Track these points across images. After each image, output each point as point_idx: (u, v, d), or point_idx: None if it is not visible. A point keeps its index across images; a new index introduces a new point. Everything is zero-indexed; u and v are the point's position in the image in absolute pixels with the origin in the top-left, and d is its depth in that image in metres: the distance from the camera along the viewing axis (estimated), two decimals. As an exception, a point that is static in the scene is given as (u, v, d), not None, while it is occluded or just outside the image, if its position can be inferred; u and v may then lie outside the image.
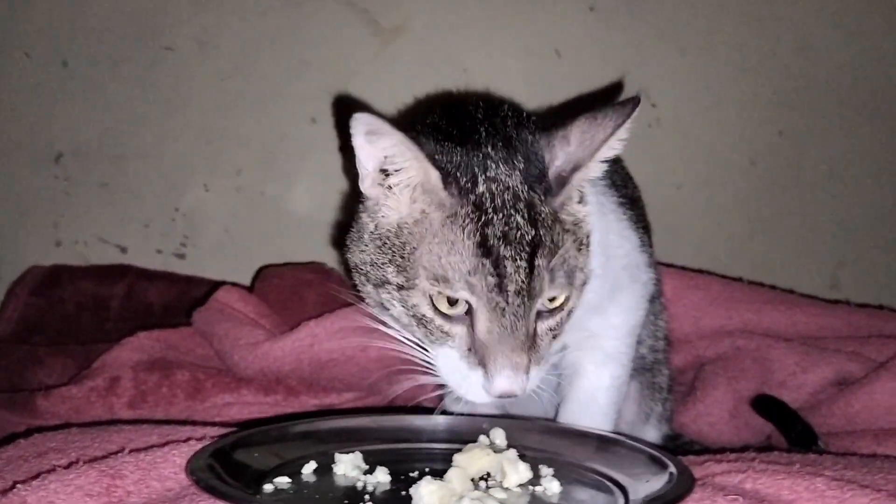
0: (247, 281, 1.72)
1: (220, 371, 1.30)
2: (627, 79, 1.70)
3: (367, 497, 0.73)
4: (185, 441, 0.80)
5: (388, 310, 0.87)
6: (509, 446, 0.84)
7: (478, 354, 0.82)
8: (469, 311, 0.82)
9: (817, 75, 1.85)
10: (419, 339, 0.86)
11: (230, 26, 1.76)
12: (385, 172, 0.85)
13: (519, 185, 0.84)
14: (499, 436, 0.87)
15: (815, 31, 1.84)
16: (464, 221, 0.82)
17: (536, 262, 0.81)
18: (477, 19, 1.76)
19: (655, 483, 0.73)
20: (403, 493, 0.73)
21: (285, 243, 1.79)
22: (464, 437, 0.87)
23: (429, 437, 0.90)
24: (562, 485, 0.77)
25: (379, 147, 0.83)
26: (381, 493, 0.76)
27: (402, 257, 0.84)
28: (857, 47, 1.84)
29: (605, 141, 0.85)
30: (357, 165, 0.87)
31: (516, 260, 0.80)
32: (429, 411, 1.12)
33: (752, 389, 1.27)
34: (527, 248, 0.81)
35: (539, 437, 0.88)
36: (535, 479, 0.79)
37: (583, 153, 0.86)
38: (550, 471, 0.80)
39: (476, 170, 0.85)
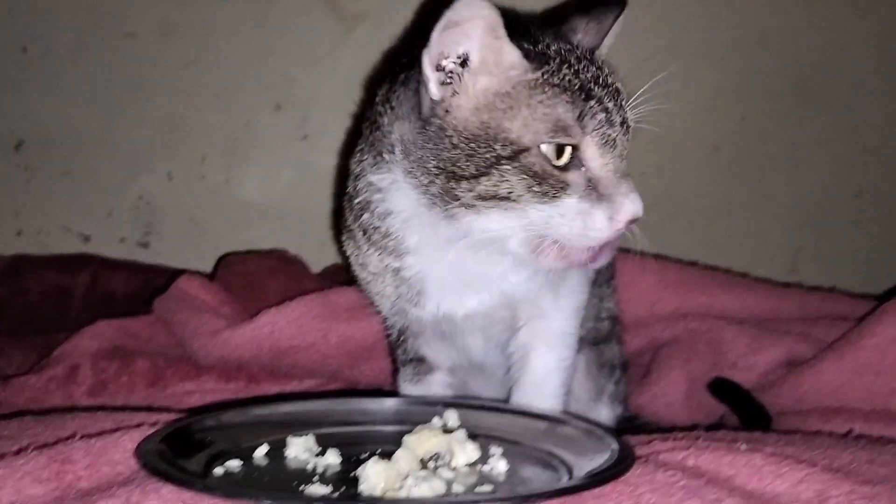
0: (210, 269, 1.72)
1: (180, 359, 1.31)
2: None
3: (316, 479, 0.75)
4: (136, 426, 0.81)
5: (498, 197, 0.86)
6: (461, 428, 0.85)
7: (597, 191, 0.86)
8: (576, 157, 0.86)
9: (779, 63, 1.88)
10: (533, 207, 0.86)
11: (193, 12, 1.75)
12: (460, 61, 0.87)
13: (578, 47, 0.93)
14: (451, 417, 0.89)
15: (777, 20, 1.86)
16: (558, 74, 0.87)
17: (621, 101, 0.90)
18: (443, 4, 1.76)
19: (598, 460, 0.74)
20: (352, 474, 0.74)
21: (249, 231, 1.79)
22: (417, 419, 0.88)
23: (383, 420, 0.91)
24: (509, 463, 0.79)
25: (456, 34, 0.86)
26: (330, 475, 0.77)
27: (505, 128, 0.86)
28: (818, 36, 1.87)
29: (612, 25, 0.98)
30: (424, 73, 0.88)
31: (613, 98, 0.88)
32: (387, 395, 1.14)
33: (705, 371, 1.29)
34: (612, 89, 0.89)
35: (491, 418, 0.90)
36: (484, 459, 0.80)
37: (593, 39, 0.97)
38: (500, 450, 0.82)
39: (536, 39, 0.91)
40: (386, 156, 0.94)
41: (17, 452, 0.74)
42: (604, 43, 0.98)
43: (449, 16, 0.84)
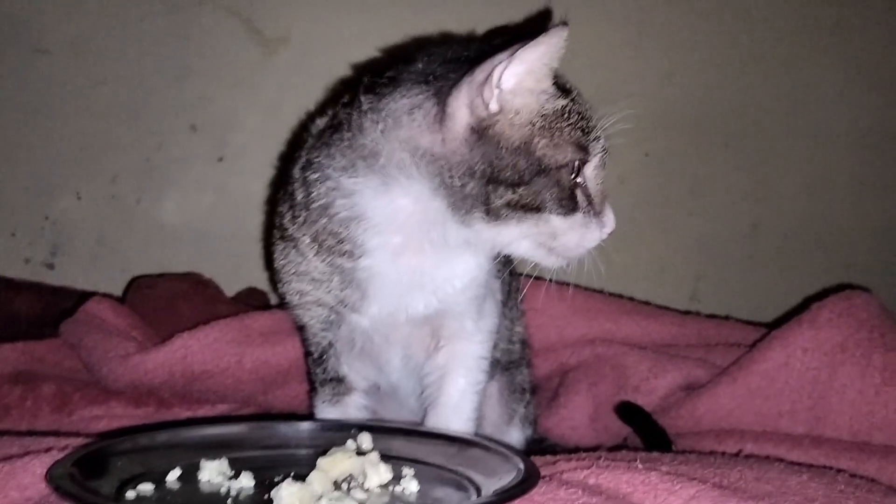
0: (120, 292, 1.69)
1: (88, 384, 1.28)
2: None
3: (229, 501, 0.75)
4: (46, 451, 0.80)
5: (526, 207, 0.92)
6: (374, 450, 0.87)
7: (592, 207, 0.95)
8: (581, 175, 0.95)
9: (681, 101, 1.97)
10: (552, 218, 0.93)
11: (107, 30, 1.73)
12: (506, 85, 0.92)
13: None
14: (365, 440, 0.90)
15: (680, 61, 1.96)
16: (579, 101, 0.97)
17: None
18: (362, 32, 1.80)
19: (506, 479, 0.77)
20: (266, 496, 0.75)
21: (161, 253, 1.77)
22: (332, 442, 0.89)
23: (297, 444, 0.92)
24: (420, 484, 0.81)
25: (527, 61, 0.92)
26: (244, 498, 0.78)
27: (542, 145, 0.92)
28: (718, 76, 1.97)
29: None
30: (489, 86, 0.91)
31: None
32: (302, 419, 1.15)
33: (610, 394, 1.35)
34: None
35: (403, 441, 0.92)
36: (396, 480, 0.82)
37: None
38: (411, 471, 0.84)
39: None
40: (381, 160, 0.96)
41: (-81, 479, 0.72)
42: None
43: (541, 40, 0.90)
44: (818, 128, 2.03)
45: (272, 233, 1.11)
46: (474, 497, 0.78)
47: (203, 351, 1.27)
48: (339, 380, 1.10)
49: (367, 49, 1.78)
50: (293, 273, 1.04)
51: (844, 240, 2.06)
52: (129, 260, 1.76)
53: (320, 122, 1.07)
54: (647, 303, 1.64)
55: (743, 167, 2.02)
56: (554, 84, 0.95)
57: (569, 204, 0.93)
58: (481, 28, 1.69)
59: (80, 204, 1.76)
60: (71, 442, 0.86)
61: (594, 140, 0.95)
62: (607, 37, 1.91)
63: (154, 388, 1.27)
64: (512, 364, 1.23)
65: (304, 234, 1.02)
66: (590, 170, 0.95)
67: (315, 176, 1.00)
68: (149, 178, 1.78)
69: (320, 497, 0.73)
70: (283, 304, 1.12)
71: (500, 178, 0.92)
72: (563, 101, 0.95)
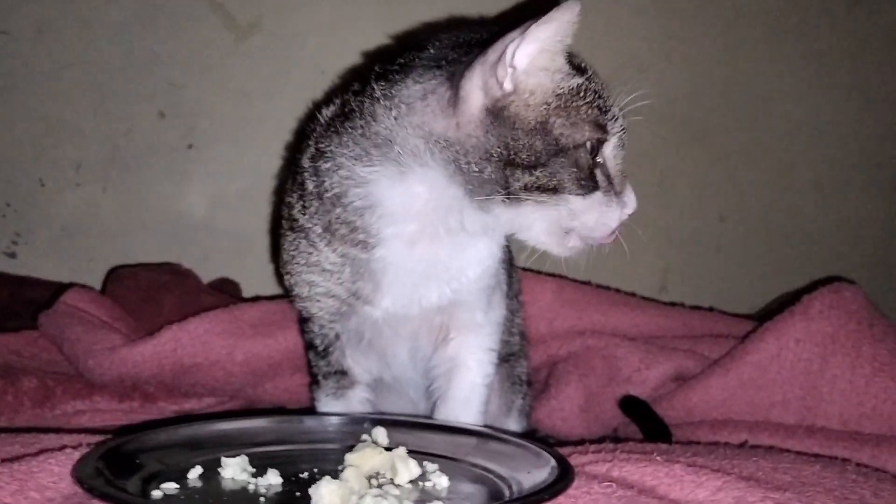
0: (86, 282, 1.63)
1: (69, 377, 1.24)
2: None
3: (262, 499, 0.73)
4: (60, 449, 0.76)
5: (544, 189, 0.91)
6: (401, 445, 0.86)
7: (613, 187, 0.94)
8: (600, 155, 0.93)
9: (652, 96, 1.99)
10: (571, 198, 0.91)
11: (73, 12, 1.67)
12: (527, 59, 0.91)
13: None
14: (380, 435, 0.89)
15: (651, 56, 1.98)
16: (595, 81, 0.95)
17: None
18: (334, 17, 1.77)
19: (538, 474, 0.77)
20: (298, 493, 0.73)
21: (128, 243, 1.72)
22: (346, 437, 0.88)
23: (311, 439, 0.90)
24: (449, 479, 0.80)
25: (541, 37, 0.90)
26: (274, 495, 0.76)
27: (559, 124, 0.91)
28: (687, 73, 2.00)
29: None
30: (502, 65, 0.90)
31: None
32: (295, 413, 1.13)
33: (600, 385, 1.36)
34: None
35: (418, 434, 0.91)
36: (423, 476, 0.81)
37: None
38: (435, 466, 0.83)
39: None
40: (396, 148, 0.94)
41: (-69, 481, 0.68)
42: None
43: (553, 17, 0.88)
44: (784, 123, 2.08)
45: (279, 224, 1.08)
46: (506, 492, 0.77)
47: (193, 343, 1.24)
48: (342, 373, 1.08)
49: (339, 34, 1.76)
50: (303, 264, 1.02)
51: (808, 232, 2.12)
52: (95, 249, 1.71)
53: (327, 112, 1.04)
54: (632, 294, 1.66)
55: (710, 161, 2.06)
56: (568, 63, 0.94)
57: (588, 184, 0.91)
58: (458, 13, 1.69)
59: (43, 191, 1.70)
60: (82, 439, 0.83)
61: (612, 119, 0.94)
62: (580, 31, 1.92)
63: (141, 381, 1.23)
64: (511, 356, 1.23)
65: (315, 224, 0.99)
66: (609, 149, 0.94)
67: (327, 165, 0.98)
68: (115, 166, 1.73)
69: (363, 495, 0.71)
70: (283, 296, 1.09)
71: (517, 161, 0.90)
72: (578, 80, 0.93)
